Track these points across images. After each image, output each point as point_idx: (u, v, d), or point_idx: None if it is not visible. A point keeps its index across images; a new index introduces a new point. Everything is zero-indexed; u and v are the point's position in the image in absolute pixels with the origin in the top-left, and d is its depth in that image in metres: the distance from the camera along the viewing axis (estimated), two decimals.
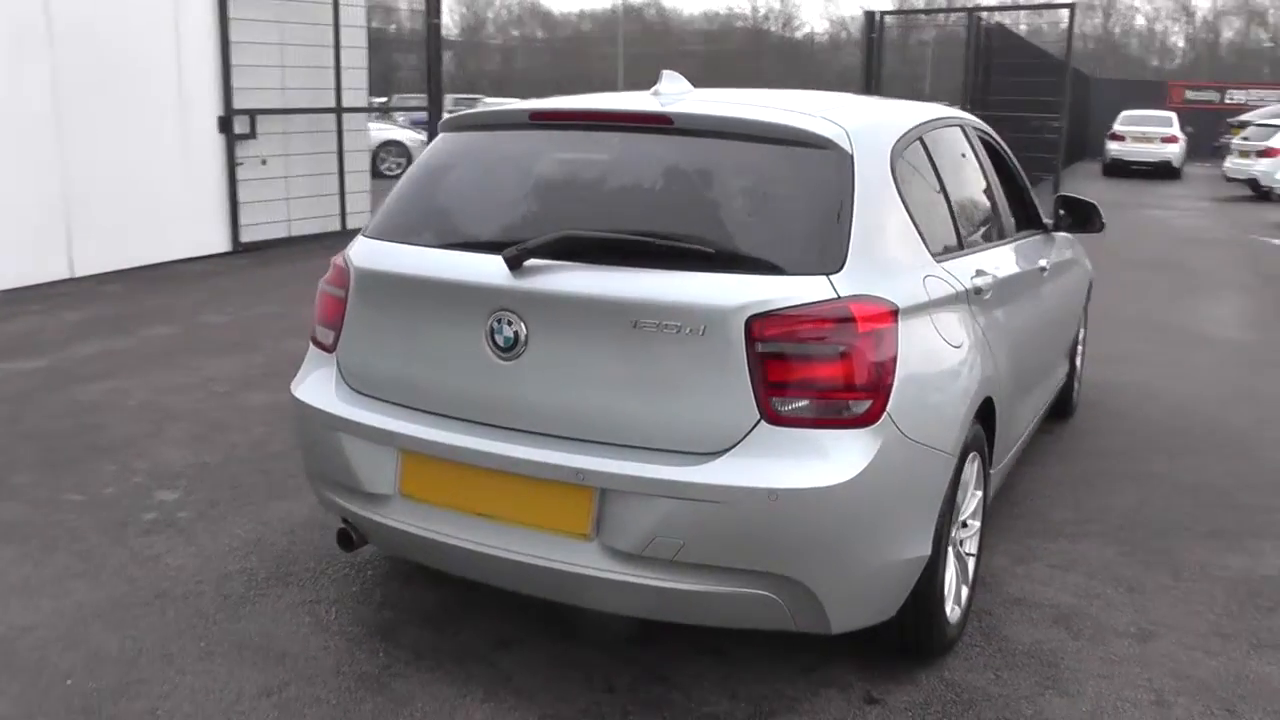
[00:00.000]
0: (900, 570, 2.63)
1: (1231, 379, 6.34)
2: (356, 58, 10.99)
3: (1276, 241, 13.05)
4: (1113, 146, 24.90)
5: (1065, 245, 4.69)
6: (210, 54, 9.39)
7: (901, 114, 3.25)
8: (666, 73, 3.12)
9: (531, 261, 2.55)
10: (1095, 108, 32.02)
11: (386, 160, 18.51)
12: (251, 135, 9.76)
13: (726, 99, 3.03)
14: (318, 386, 2.94)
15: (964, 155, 3.70)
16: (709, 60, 65.76)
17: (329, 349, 2.98)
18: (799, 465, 2.38)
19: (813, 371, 2.41)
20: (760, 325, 2.39)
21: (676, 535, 2.40)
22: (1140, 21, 66.82)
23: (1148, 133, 24.62)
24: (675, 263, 2.50)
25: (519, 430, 2.58)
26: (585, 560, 2.49)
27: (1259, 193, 17.98)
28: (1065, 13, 17.00)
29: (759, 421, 2.40)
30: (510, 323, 2.56)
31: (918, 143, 3.15)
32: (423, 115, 20.21)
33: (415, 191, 3.04)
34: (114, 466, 4.43)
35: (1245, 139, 19.66)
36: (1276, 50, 60.96)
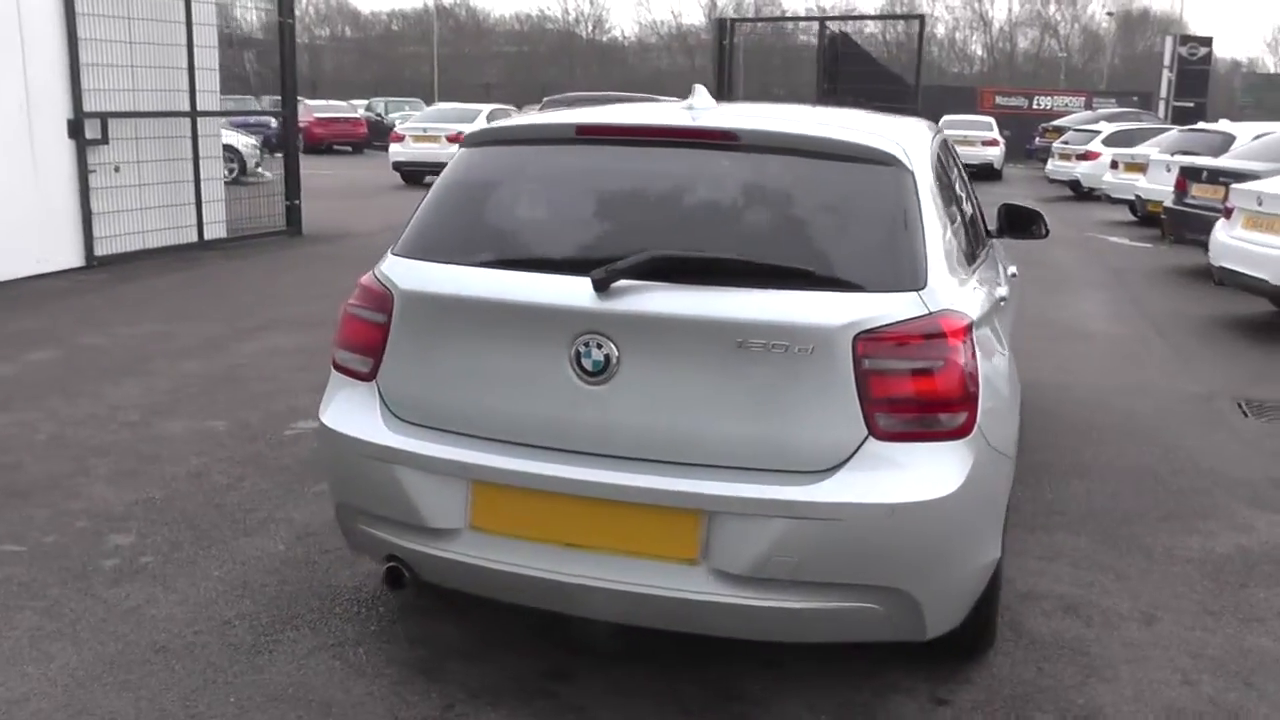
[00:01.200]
0: (981, 574, 2.70)
1: (1119, 371, 6.81)
2: (208, 58, 10.38)
3: (1113, 239, 14.09)
4: None
5: (1003, 251, 4.92)
6: (57, 51, 8.65)
7: (916, 129, 3.33)
8: (698, 86, 3.10)
9: (620, 282, 2.47)
10: (930, 116, 33.67)
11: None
12: (103, 140, 9.05)
13: (760, 114, 3.03)
14: (356, 417, 2.75)
15: (955, 166, 3.82)
16: (520, 61, 65.63)
17: (366, 377, 2.79)
18: (909, 479, 2.41)
19: (914, 387, 2.44)
20: (866, 343, 2.40)
21: (792, 554, 2.38)
22: (941, 31, 70.79)
23: (969, 136, 25.99)
24: (768, 281, 2.47)
25: (611, 456, 2.49)
26: (692, 585, 2.43)
27: (1079, 193, 19.38)
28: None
29: (866, 438, 2.42)
30: (600, 345, 2.46)
31: (938, 157, 3.24)
32: (253, 119, 19.40)
33: (455, 208, 2.89)
34: (46, 510, 4.02)
35: (1065, 143, 21.16)
36: (1070, 59, 65.96)
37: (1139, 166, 14.40)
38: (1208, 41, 37.60)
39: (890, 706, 2.84)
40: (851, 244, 2.58)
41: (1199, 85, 36.05)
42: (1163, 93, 37.70)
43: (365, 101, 36.37)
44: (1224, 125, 13.47)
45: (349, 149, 29.57)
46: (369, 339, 2.77)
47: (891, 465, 2.41)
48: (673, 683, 2.89)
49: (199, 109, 10.03)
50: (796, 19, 14.52)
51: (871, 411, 2.41)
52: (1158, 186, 12.30)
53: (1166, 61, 37.59)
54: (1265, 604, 3.54)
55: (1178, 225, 10.62)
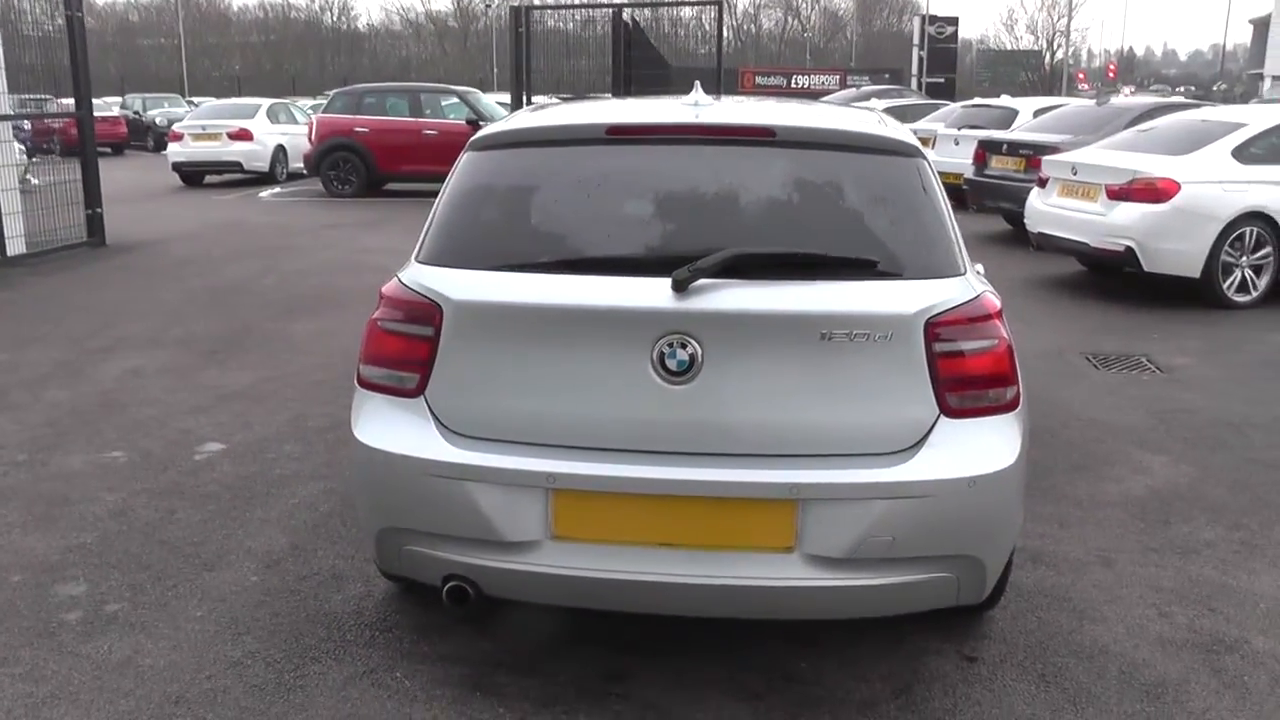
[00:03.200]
0: (1017, 534, 2.91)
1: None
2: None
3: None
4: None
5: None
6: None
7: (891, 119, 3.48)
8: (698, 83, 3.14)
9: (698, 281, 2.48)
10: (680, 93, 34.57)
11: None
12: None
13: (770, 110, 3.10)
14: (408, 435, 2.63)
15: None
16: (267, 52, 62.72)
17: (411, 393, 2.67)
18: (980, 452, 2.57)
19: (975, 366, 2.60)
20: (935, 327, 2.53)
21: (887, 533, 2.48)
22: (687, 13, 72.98)
23: None
24: (839, 274, 2.57)
25: (699, 454, 2.51)
26: (788, 572, 2.50)
27: None
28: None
29: (939, 416, 2.56)
30: (684, 345, 2.48)
31: None
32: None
33: (488, 213, 2.80)
34: None
35: None
36: (813, 39, 69.49)
37: (925, 141, 15.42)
38: (954, 21, 40.66)
39: (928, 668, 3.01)
40: (899, 233, 2.70)
41: (948, 62, 39.00)
42: (914, 69, 40.51)
43: (119, 99, 33.76)
44: (1006, 100, 14.63)
45: (108, 150, 27.40)
46: (412, 354, 2.66)
47: (963, 441, 2.56)
48: (730, 670, 2.95)
49: None
50: (595, 4, 14.57)
51: (942, 391, 2.55)
52: (947, 159, 13.10)
53: (916, 40, 40.42)
54: (1192, 537, 3.96)
55: (979, 194, 11.50)
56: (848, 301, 2.52)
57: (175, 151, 17.82)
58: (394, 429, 2.65)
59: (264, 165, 17.64)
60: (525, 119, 3.09)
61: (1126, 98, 15.78)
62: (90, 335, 6.97)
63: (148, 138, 28.62)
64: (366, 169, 15.28)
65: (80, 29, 10.28)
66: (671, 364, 2.49)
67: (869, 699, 2.84)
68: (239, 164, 17.47)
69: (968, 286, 2.65)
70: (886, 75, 43.14)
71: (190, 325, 7.29)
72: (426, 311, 2.63)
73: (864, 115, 3.18)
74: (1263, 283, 7.98)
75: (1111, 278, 9.00)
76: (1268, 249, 7.92)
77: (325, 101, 23.82)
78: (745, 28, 74.28)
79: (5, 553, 3.71)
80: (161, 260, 10.18)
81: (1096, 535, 3.96)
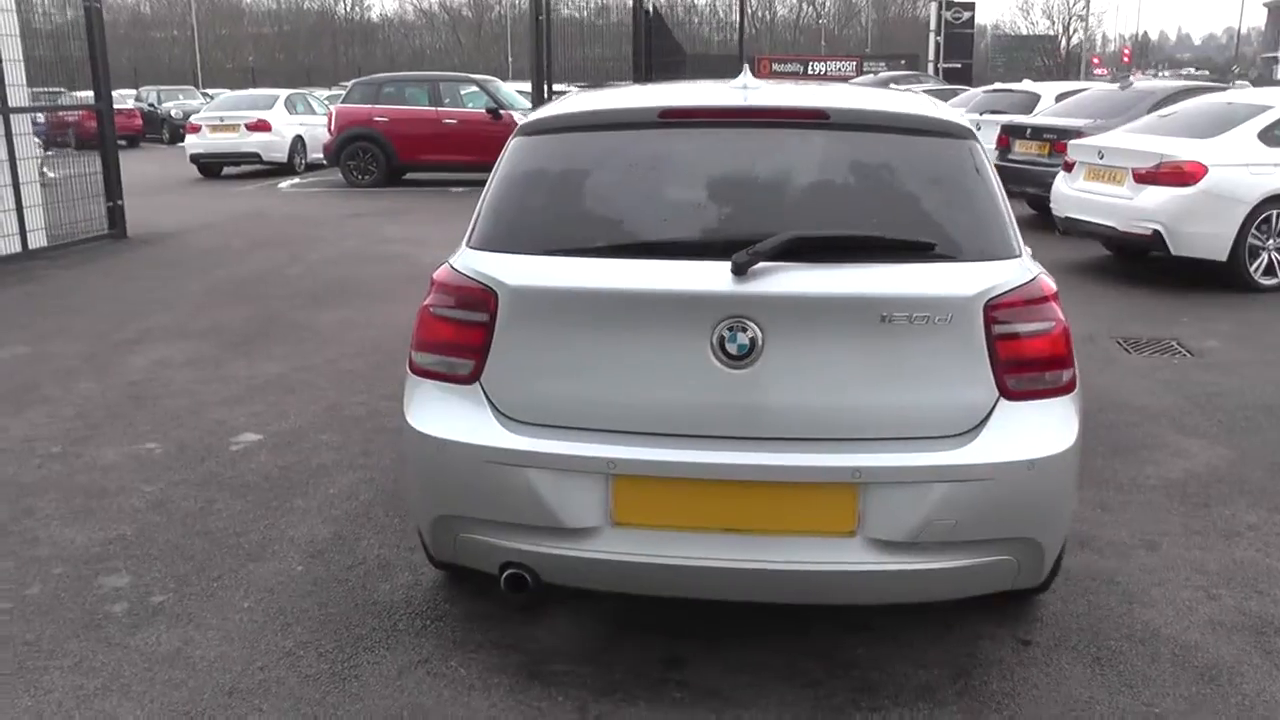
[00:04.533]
0: (1071, 517, 2.89)
1: None
2: (11, 48, 9.39)
3: None
4: None
5: None
6: None
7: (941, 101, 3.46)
8: (746, 67, 3.12)
9: (758, 264, 2.46)
10: (696, 80, 34.49)
11: None
12: None
13: (821, 92, 3.07)
14: (464, 422, 2.62)
15: None
16: (280, 43, 62.66)
17: (465, 379, 2.66)
18: (1040, 435, 2.55)
19: (1033, 348, 2.58)
20: (994, 309, 2.51)
21: (950, 516, 2.47)
22: (702, 1, 72.47)
23: None
24: (898, 256, 2.55)
25: (760, 438, 2.50)
26: (849, 556, 2.49)
27: None
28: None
29: (998, 399, 2.54)
30: (745, 329, 2.46)
31: None
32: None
33: (541, 198, 2.78)
34: (8, 561, 3.60)
35: None
36: (827, 25, 69.18)
37: None
38: (970, 6, 40.32)
39: (984, 653, 2.99)
40: (955, 215, 2.67)
41: (965, 47, 38.75)
42: (930, 55, 40.25)
43: (133, 91, 33.81)
44: (1028, 85, 14.54)
45: (123, 143, 27.45)
46: (466, 340, 2.64)
47: (1022, 423, 2.54)
48: (787, 657, 2.94)
49: (10, 105, 9.07)
50: None
51: (1001, 374, 2.53)
52: None
53: (933, 26, 40.13)
54: (1234, 519, 3.93)
55: (1003, 179, 11.36)
56: (908, 284, 2.50)
57: (193, 143, 17.84)
58: (449, 416, 2.64)
59: (282, 156, 17.65)
60: (574, 103, 3.07)
61: (1147, 81, 15.63)
62: (116, 327, 6.98)
63: (163, 130, 28.64)
64: (386, 159, 15.27)
65: (99, 20, 10.29)
66: (732, 348, 2.47)
67: (928, 684, 2.83)
68: (257, 155, 17.49)
69: (1024, 268, 2.63)
70: (903, 61, 42.90)
71: (216, 316, 7.30)
72: (481, 297, 2.62)
73: (914, 97, 3.15)
74: None
75: (1136, 262, 8.94)
76: None
77: (340, 92, 23.92)
78: (760, 14, 73.94)
79: (45, 545, 3.72)
80: (183, 252, 10.20)
81: (1139, 518, 3.93)
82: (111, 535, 3.80)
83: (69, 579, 3.47)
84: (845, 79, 35.86)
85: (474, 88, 16.10)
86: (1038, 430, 2.56)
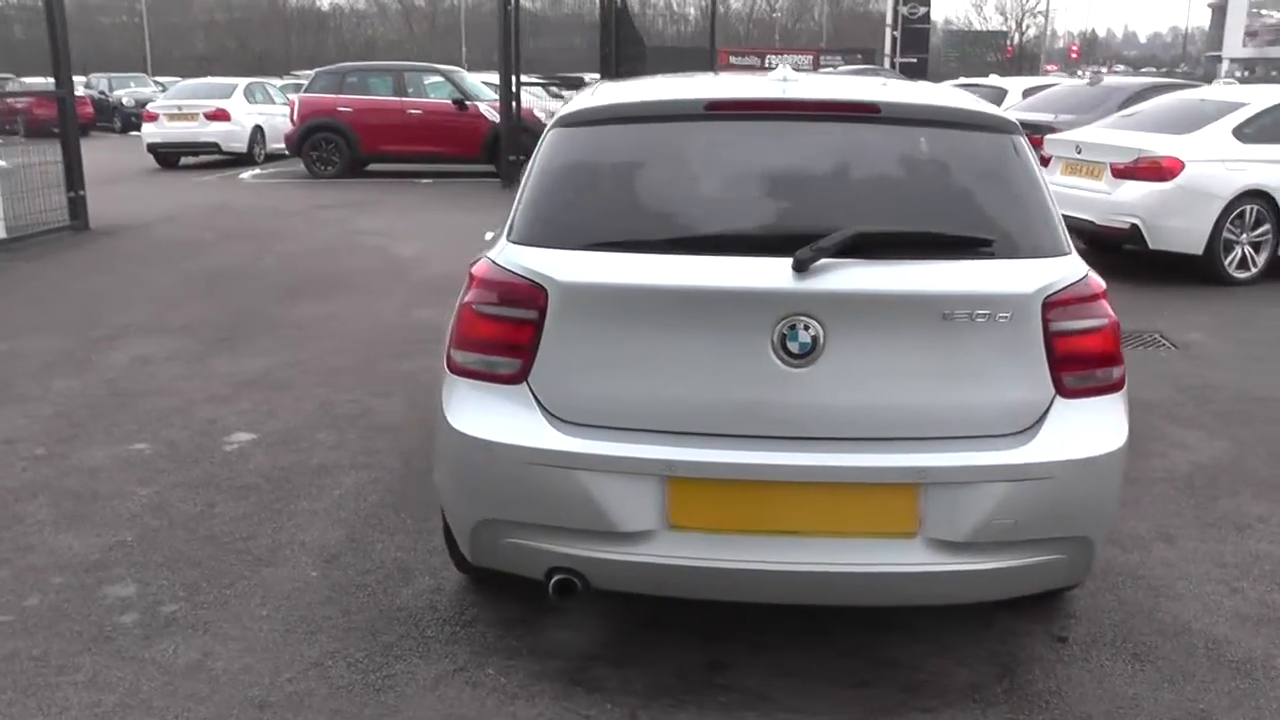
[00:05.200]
0: None
1: None
2: None
3: None
4: None
5: None
6: None
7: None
8: (784, 58, 3.06)
9: (819, 261, 2.41)
10: (658, 73, 34.35)
11: None
12: None
13: (865, 86, 3.02)
14: (512, 423, 2.53)
15: None
16: (231, 30, 61.43)
17: (511, 379, 2.57)
18: (1095, 432, 2.54)
19: (1087, 345, 2.56)
20: (1051, 307, 2.49)
21: (1010, 516, 2.44)
22: None
23: None
24: (958, 252, 2.52)
25: (820, 438, 2.45)
26: (911, 558, 2.45)
27: None
28: None
29: (1054, 397, 2.52)
30: (806, 327, 2.41)
31: None
32: None
33: (586, 191, 2.70)
34: (2, 571, 3.45)
35: None
36: (782, 19, 69.41)
37: None
38: (926, 1, 40.61)
39: (1023, 650, 2.98)
40: (1008, 211, 2.64)
41: (921, 42, 38.97)
42: (887, 49, 40.51)
43: (83, 79, 32.93)
44: (995, 80, 14.65)
45: None
46: (512, 338, 2.56)
47: (1078, 421, 2.53)
48: (829, 658, 2.90)
49: None
50: None
51: (1058, 371, 2.51)
52: None
53: (890, 21, 40.37)
54: (1243, 511, 3.97)
55: None
56: (969, 281, 2.47)
57: (150, 132, 17.38)
58: (495, 417, 2.56)
59: (242, 146, 17.28)
60: (613, 95, 2.98)
61: (1116, 77, 15.82)
62: (90, 322, 6.77)
63: (115, 118, 27.94)
64: (350, 149, 15.02)
65: (59, 6, 9.97)
66: (793, 346, 2.41)
67: (974, 682, 2.80)
68: (216, 145, 17.10)
69: (1075, 266, 2.60)
70: (859, 55, 43.17)
71: (192, 310, 7.11)
72: (530, 294, 2.53)
73: (953, 91, 3.11)
74: (1261, 259, 8.06)
75: (1111, 256, 9.03)
76: (1266, 226, 7.99)
77: (294, 82, 23.48)
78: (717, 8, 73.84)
79: (40, 553, 3.57)
80: (150, 244, 9.94)
81: (1153, 512, 3.95)
82: (111, 541, 3.66)
83: (71, 589, 3.34)
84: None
85: (439, 78, 15.90)
86: (1093, 428, 2.54)
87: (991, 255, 2.53)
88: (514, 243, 2.66)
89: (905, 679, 2.82)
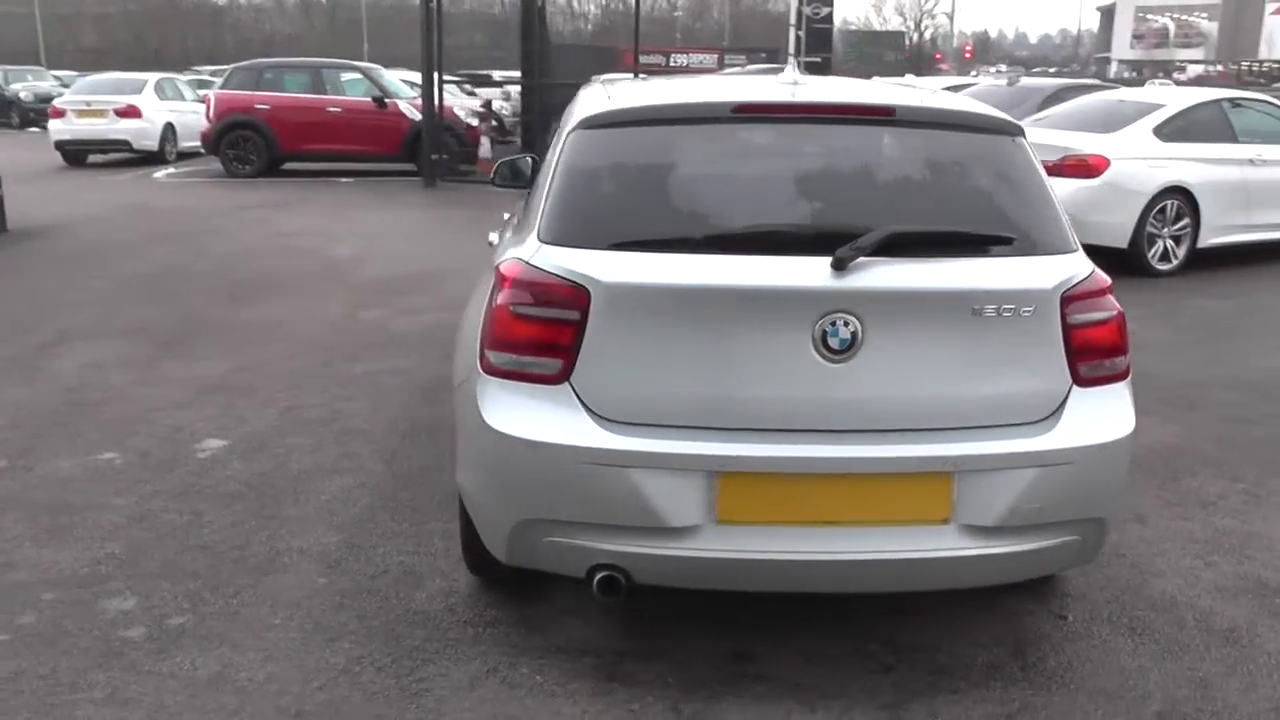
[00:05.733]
0: None
1: None
2: None
3: None
4: None
5: None
6: None
7: None
8: (793, 61, 3.14)
9: (856, 259, 2.49)
10: (562, 74, 34.25)
11: None
12: None
13: (871, 89, 3.12)
14: (556, 423, 2.55)
15: None
16: (126, 23, 59.17)
17: (553, 379, 2.58)
18: (1109, 418, 2.69)
19: (1099, 337, 2.70)
20: (1069, 301, 2.62)
21: (1036, 500, 2.56)
22: None
23: None
24: (983, 250, 2.63)
25: (858, 431, 2.53)
26: (944, 543, 2.55)
27: None
28: None
29: (1071, 386, 2.65)
30: (846, 323, 2.48)
31: None
32: None
33: (620, 192, 2.74)
34: None
35: None
36: (683, 18, 69.82)
37: None
38: (830, 2, 41.40)
39: (1030, 628, 3.11)
40: (1022, 210, 2.76)
41: (824, 42, 39.65)
42: (791, 49, 41.24)
43: None
44: (910, 80, 15.03)
45: None
46: (554, 338, 2.57)
47: (1094, 408, 2.67)
48: (852, 645, 2.99)
49: None
50: None
51: (1075, 362, 2.65)
52: None
53: (793, 20, 41.13)
54: (1203, 490, 4.20)
55: None
56: (996, 277, 2.58)
57: (58, 129, 16.62)
58: (539, 417, 2.57)
59: (153, 144, 16.70)
60: (635, 97, 3.01)
61: (1033, 78, 16.38)
62: (29, 328, 6.50)
63: (12, 114, 26.68)
64: (268, 147, 14.66)
65: None
66: (834, 342, 2.49)
67: (992, 663, 2.92)
68: (127, 142, 16.49)
69: (1084, 261, 2.74)
70: (763, 54, 43.70)
71: (134, 314, 6.89)
72: (572, 295, 2.55)
73: (956, 96, 3.22)
74: (1181, 252, 8.48)
75: None
76: (1185, 220, 8.41)
77: (196, 78, 22.80)
78: (613, 6, 73.93)
79: (24, 569, 3.43)
80: (75, 246, 9.56)
81: (1134, 497, 4.14)
82: (99, 554, 3.55)
83: (66, 604, 3.23)
84: (707, 71, 36.34)
85: (357, 75, 15.64)
86: (1106, 414, 2.69)
87: (1012, 252, 2.65)
88: (547, 243, 2.67)
89: (926, 662, 2.92)
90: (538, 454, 2.55)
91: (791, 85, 2.97)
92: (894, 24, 71.79)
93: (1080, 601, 3.29)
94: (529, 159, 4.94)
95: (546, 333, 2.58)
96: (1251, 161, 8.40)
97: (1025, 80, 13.09)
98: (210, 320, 6.80)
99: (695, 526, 2.53)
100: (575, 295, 2.55)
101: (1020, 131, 2.91)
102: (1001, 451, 2.54)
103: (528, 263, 2.66)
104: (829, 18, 41.02)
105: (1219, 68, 46.76)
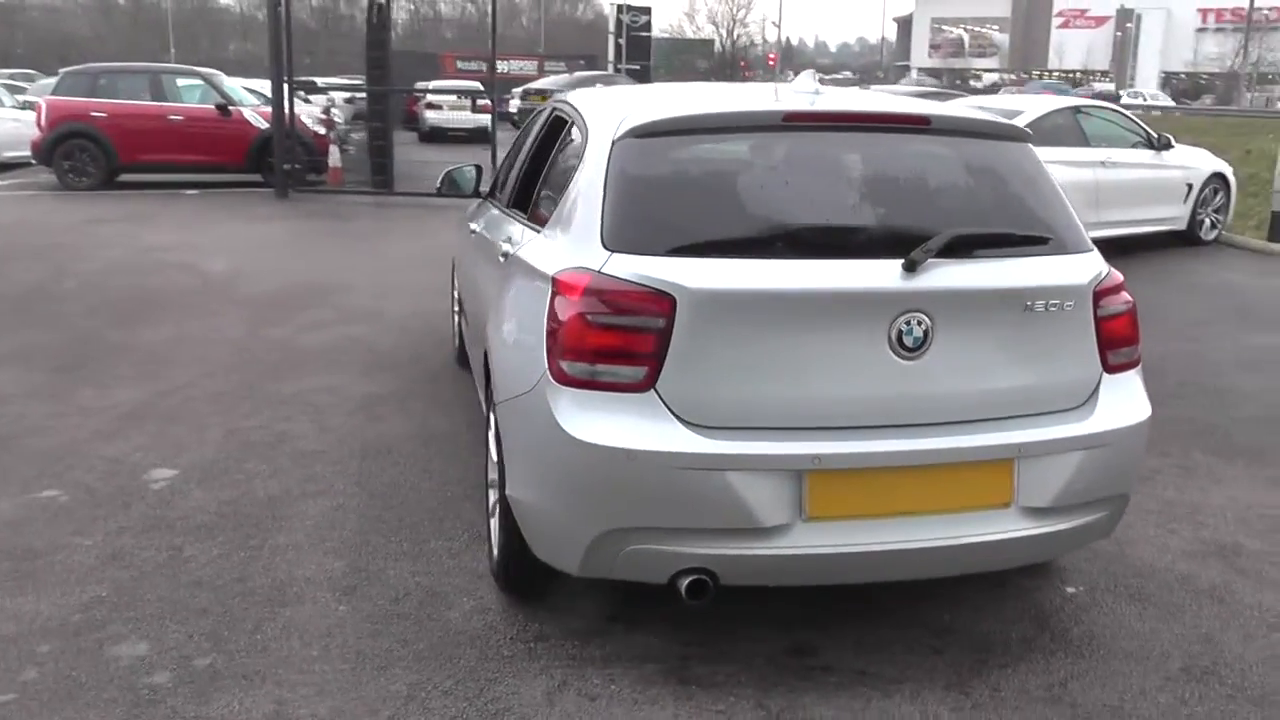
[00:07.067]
0: None
1: None
2: None
3: None
4: (430, 115, 26.34)
5: None
6: None
7: None
8: (808, 71, 3.25)
9: (925, 261, 2.62)
10: (389, 80, 33.44)
11: None
12: None
13: (895, 100, 3.27)
14: (643, 430, 2.57)
15: None
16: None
17: (638, 387, 2.59)
18: (1131, 402, 2.94)
19: (1121, 327, 2.94)
20: (1099, 295, 2.85)
21: (1082, 480, 2.77)
22: None
23: (462, 101, 26.43)
24: (1026, 250, 2.83)
25: (930, 424, 2.66)
26: (1007, 525, 2.72)
27: None
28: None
29: (1102, 374, 2.88)
30: (920, 322, 2.61)
31: None
32: None
33: (689, 200, 2.81)
34: None
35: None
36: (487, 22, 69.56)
37: None
38: (648, 11, 42.26)
39: (1044, 603, 3.33)
40: (1049, 212, 2.96)
41: (644, 50, 40.66)
42: (611, 56, 41.79)
43: None
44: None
45: None
46: (638, 347, 2.59)
47: (1119, 393, 2.92)
48: (896, 631, 3.12)
49: None
50: None
51: (1104, 351, 2.88)
52: None
53: (612, 29, 41.75)
54: (1170, 469, 4.55)
55: None
56: (1044, 275, 2.78)
57: None
58: (627, 425, 2.58)
59: None
60: (679, 106, 3.06)
61: (884, 86, 17.17)
62: None
63: None
64: (106, 158, 13.72)
65: None
66: (908, 340, 2.61)
67: (1024, 637, 3.11)
68: None
69: (1101, 259, 2.97)
70: (582, 61, 44.08)
71: (15, 338, 6.37)
72: (655, 302, 2.57)
73: (963, 104, 3.41)
74: None
75: None
76: None
77: (6, 83, 21.09)
78: (422, 11, 72.76)
79: (5, 621, 3.15)
80: None
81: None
82: (84, 599, 3.30)
83: (69, 654, 2.99)
84: (527, 78, 36.46)
85: (197, 81, 14.86)
86: (1130, 398, 2.94)
87: (1049, 251, 2.86)
88: (618, 252, 2.67)
89: (967, 640, 3.09)
90: (630, 463, 2.56)
91: (812, 95, 3.08)
92: (707, 32, 73.61)
93: (1076, 574, 3.53)
94: (473, 168, 4.91)
95: (628, 341, 2.60)
96: (1102, 164, 9.11)
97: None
98: (106, 342, 6.37)
99: (785, 525, 2.60)
100: (660, 303, 2.57)
101: (1031, 138, 3.12)
102: (1056, 437, 2.74)
103: (600, 271, 2.65)
104: (647, 26, 42.05)
105: (1012, 76, 50.44)
